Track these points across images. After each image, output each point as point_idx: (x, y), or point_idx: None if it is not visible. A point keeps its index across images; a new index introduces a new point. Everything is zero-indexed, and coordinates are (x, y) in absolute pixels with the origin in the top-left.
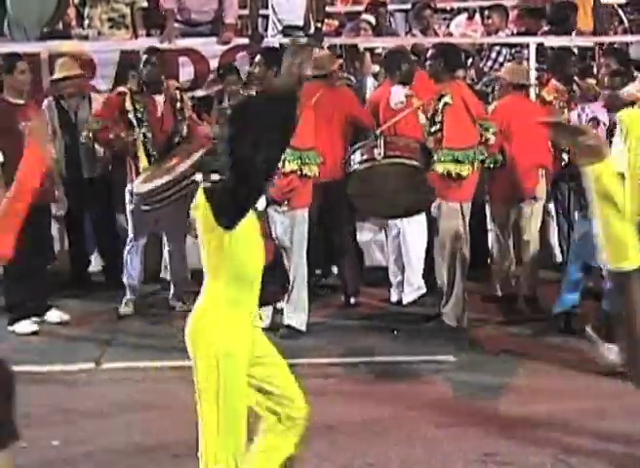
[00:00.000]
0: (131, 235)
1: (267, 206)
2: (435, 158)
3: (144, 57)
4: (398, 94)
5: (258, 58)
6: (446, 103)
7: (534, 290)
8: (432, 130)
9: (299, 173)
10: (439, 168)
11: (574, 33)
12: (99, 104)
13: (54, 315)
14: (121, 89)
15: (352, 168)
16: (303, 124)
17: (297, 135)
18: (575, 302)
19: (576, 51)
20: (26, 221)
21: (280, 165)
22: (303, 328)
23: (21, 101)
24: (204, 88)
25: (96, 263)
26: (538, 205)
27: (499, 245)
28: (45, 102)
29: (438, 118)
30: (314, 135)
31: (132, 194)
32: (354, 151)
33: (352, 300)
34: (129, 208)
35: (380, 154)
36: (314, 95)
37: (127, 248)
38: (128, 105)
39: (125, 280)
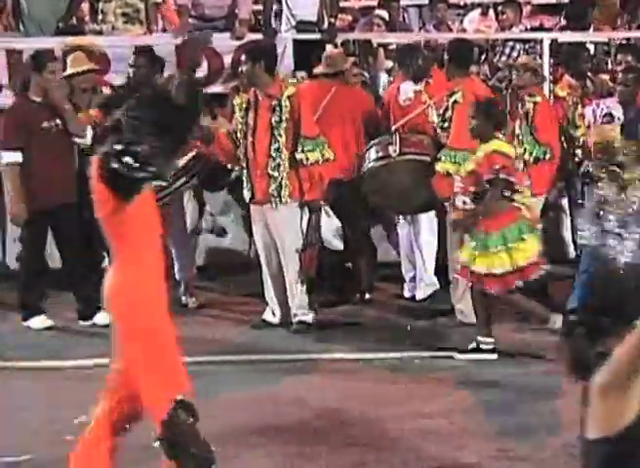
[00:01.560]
0: None
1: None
2: (438, 156)
3: (132, 58)
4: (406, 90)
5: (243, 56)
6: (455, 101)
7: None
8: (444, 126)
9: (321, 160)
10: (438, 167)
11: (591, 29)
12: None
13: (103, 317)
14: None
15: (367, 165)
16: (306, 114)
17: (307, 124)
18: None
19: (591, 47)
20: (53, 222)
21: (303, 159)
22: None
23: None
24: (220, 84)
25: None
26: None
27: None
28: None
29: (448, 115)
30: (327, 132)
31: None
32: (369, 148)
33: (367, 296)
34: None
35: (395, 151)
36: (326, 92)
37: None
38: None
39: None
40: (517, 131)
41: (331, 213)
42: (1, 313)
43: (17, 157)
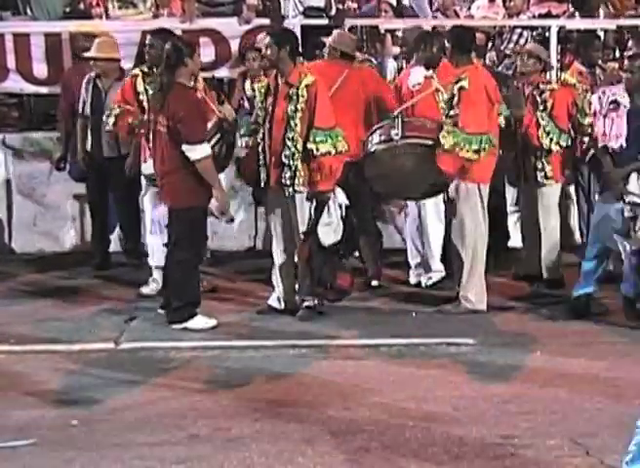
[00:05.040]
0: (149, 216)
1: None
2: (445, 131)
3: (148, 39)
4: (417, 75)
5: (267, 39)
6: (462, 87)
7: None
8: (450, 113)
9: (333, 152)
10: (445, 141)
11: (601, 15)
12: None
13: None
14: (134, 71)
15: (370, 149)
16: (323, 103)
17: (322, 114)
18: (593, 286)
19: (602, 34)
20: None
21: (314, 149)
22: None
23: (192, 85)
24: (228, 70)
25: (116, 243)
26: None
27: (531, 227)
28: (86, 77)
29: (454, 101)
30: (338, 115)
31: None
32: (373, 132)
33: (374, 282)
34: (144, 189)
35: (397, 135)
36: (339, 74)
37: (147, 229)
38: (139, 87)
39: (150, 261)
40: (542, 122)
41: (332, 209)
42: (9, 296)
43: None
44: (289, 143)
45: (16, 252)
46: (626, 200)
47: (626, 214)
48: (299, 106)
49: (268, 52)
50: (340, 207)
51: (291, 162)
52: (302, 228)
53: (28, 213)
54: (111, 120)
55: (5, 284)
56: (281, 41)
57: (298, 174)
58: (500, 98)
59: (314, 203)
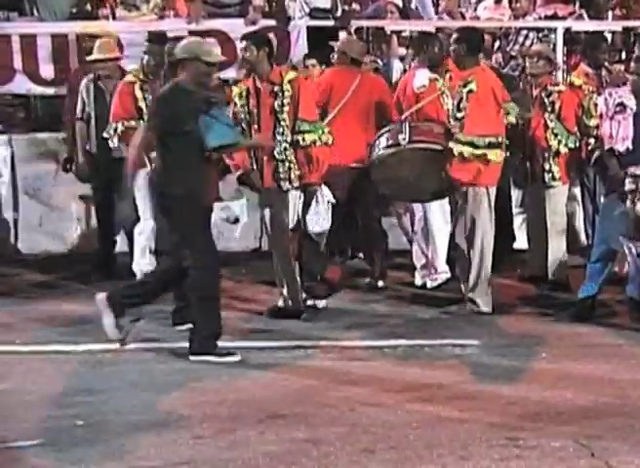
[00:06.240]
0: (147, 218)
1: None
2: (454, 138)
3: (146, 45)
4: (421, 77)
5: (245, 42)
6: (470, 90)
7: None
8: (459, 116)
9: (318, 142)
10: (455, 148)
11: (610, 17)
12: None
13: None
14: (129, 78)
15: (377, 153)
16: (306, 97)
17: (306, 107)
18: (597, 288)
19: (609, 36)
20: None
21: (300, 139)
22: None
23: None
24: (234, 71)
25: (121, 244)
26: None
27: (538, 229)
28: (84, 81)
29: (463, 105)
30: (350, 120)
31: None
32: (379, 136)
33: (380, 284)
34: (144, 191)
35: (404, 139)
36: (353, 80)
37: (141, 231)
38: (137, 93)
39: (134, 267)
40: (550, 124)
41: (320, 199)
42: (13, 297)
43: None
44: (279, 138)
45: (21, 252)
46: (629, 173)
47: (627, 186)
48: (285, 101)
49: (247, 54)
50: (328, 202)
51: (283, 156)
52: (292, 224)
53: (34, 213)
54: (115, 139)
55: (10, 284)
56: (259, 43)
57: (292, 166)
58: (509, 97)
59: (302, 196)
